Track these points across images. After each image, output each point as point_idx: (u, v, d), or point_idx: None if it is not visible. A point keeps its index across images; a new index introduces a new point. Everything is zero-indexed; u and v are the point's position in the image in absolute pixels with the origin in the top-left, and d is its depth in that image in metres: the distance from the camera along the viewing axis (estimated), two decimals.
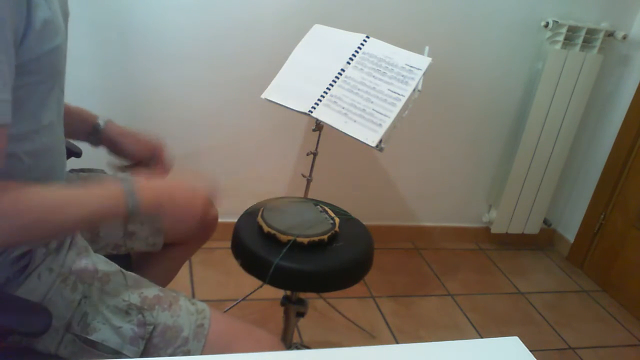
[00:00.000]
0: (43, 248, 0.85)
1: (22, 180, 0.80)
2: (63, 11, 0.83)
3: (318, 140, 1.59)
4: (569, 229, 2.60)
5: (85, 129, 1.10)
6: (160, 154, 1.15)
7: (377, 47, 1.45)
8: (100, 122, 1.10)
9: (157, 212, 0.86)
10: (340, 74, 1.43)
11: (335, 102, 1.38)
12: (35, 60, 0.74)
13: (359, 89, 1.38)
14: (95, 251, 0.95)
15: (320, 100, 1.40)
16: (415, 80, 1.36)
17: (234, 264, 1.27)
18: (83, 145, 1.21)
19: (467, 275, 2.32)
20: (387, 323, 1.94)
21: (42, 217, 0.74)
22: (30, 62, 0.73)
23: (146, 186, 0.84)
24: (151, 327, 0.86)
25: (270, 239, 1.24)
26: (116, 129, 1.12)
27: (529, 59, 2.21)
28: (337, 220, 1.32)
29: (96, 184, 0.82)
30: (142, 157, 1.13)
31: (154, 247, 1.19)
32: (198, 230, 1.27)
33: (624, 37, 2.17)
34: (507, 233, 2.51)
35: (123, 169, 1.16)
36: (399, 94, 1.34)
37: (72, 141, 1.14)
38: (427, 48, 1.43)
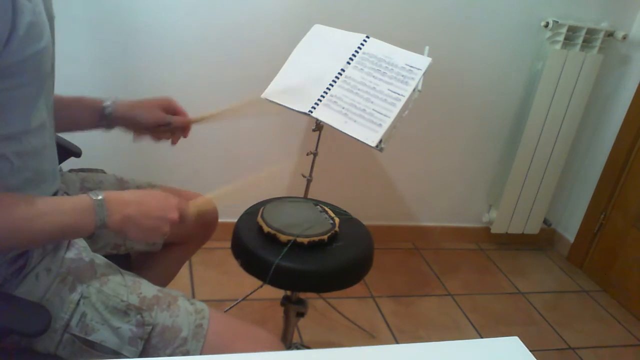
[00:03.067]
0: (40, 248, 0.85)
1: (12, 181, 0.80)
2: (48, 14, 0.82)
3: (318, 140, 1.59)
4: (569, 229, 2.59)
5: (94, 116, 1.09)
6: (175, 110, 1.16)
7: (377, 47, 1.45)
8: (108, 103, 1.10)
9: (125, 224, 0.85)
10: (340, 74, 1.43)
11: (335, 102, 1.38)
12: (19, 63, 0.74)
13: (359, 89, 1.38)
14: (95, 251, 0.95)
15: (320, 100, 1.40)
16: (415, 80, 1.36)
17: (234, 264, 1.27)
18: (83, 146, 1.21)
19: (467, 275, 2.32)
20: (387, 323, 1.94)
21: (11, 227, 0.75)
22: (15, 65, 0.73)
23: (115, 197, 0.84)
24: (150, 327, 0.86)
25: (270, 239, 1.24)
26: (124, 105, 1.11)
27: (529, 59, 2.21)
28: (337, 220, 1.32)
29: (66, 197, 0.82)
30: (158, 121, 1.13)
31: (154, 247, 1.19)
32: (196, 230, 1.27)
33: (624, 37, 2.17)
34: (507, 233, 2.51)
35: (145, 135, 1.15)
36: (399, 94, 1.34)
37: (80, 132, 1.12)
38: (427, 48, 1.43)
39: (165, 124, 1.14)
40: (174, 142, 1.17)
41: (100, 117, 1.09)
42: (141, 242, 1.16)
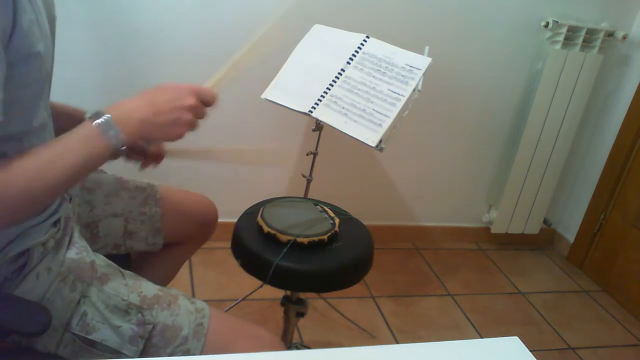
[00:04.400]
0: (41, 247, 0.85)
1: None
2: (49, 15, 0.82)
3: (318, 140, 1.59)
4: (569, 229, 2.59)
5: (73, 124, 1.08)
6: None
7: (377, 47, 1.45)
8: (88, 115, 1.08)
9: (143, 132, 0.80)
10: (340, 74, 1.43)
11: (335, 102, 1.38)
12: (23, 62, 0.74)
13: (359, 89, 1.38)
14: (95, 251, 0.95)
15: (320, 100, 1.40)
16: (415, 80, 1.36)
17: (234, 264, 1.27)
18: None
19: (467, 275, 2.32)
20: (387, 323, 1.94)
21: (24, 184, 0.72)
22: (18, 64, 0.73)
23: (121, 109, 0.79)
24: (150, 326, 0.86)
25: (271, 239, 1.24)
26: None
27: (529, 59, 2.21)
28: (337, 220, 1.32)
29: (70, 134, 0.77)
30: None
31: (154, 247, 1.19)
32: (196, 230, 1.27)
33: (624, 37, 2.17)
34: (507, 233, 2.51)
35: (121, 153, 1.13)
36: (399, 94, 1.34)
37: None
38: (427, 48, 1.43)
39: (139, 147, 1.08)
40: (142, 167, 1.09)
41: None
42: (142, 242, 1.15)
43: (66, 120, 1.05)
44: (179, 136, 0.84)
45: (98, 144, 0.77)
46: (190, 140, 1.22)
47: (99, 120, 0.77)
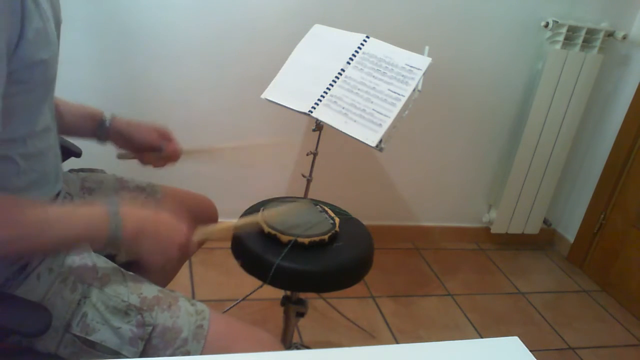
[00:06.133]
0: None
1: (18, 182, 0.80)
2: (56, 19, 0.83)
3: (318, 140, 1.59)
4: (569, 229, 2.59)
5: (92, 125, 1.10)
6: (169, 137, 1.16)
7: (377, 47, 1.45)
8: (107, 116, 1.11)
9: (138, 238, 0.85)
10: (340, 74, 1.43)
11: (335, 102, 1.38)
12: (27, 68, 0.74)
13: (359, 89, 1.38)
14: (96, 251, 0.95)
15: (320, 100, 1.40)
16: (415, 80, 1.36)
17: (234, 264, 1.27)
18: (83, 145, 1.21)
19: (467, 275, 2.32)
20: (387, 323, 1.94)
21: (23, 229, 0.74)
22: (22, 70, 0.73)
23: (131, 211, 0.84)
24: (150, 327, 0.86)
25: (271, 239, 1.23)
26: (122, 121, 1.12)
27: (529, 59, 2.21)
28: (337, 220, 1.32)
29: (82, 204, 0.82)
30: (152, 144, 1.14)
31: None
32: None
33: (624, 37, 2.17)
34: (507, 233, 2.51)
35: (133, 156, 1.16)
36: (399, 94, 1.34)
37: (78, 139, 1.13)
38: (427, 48, 1.43)
39: (157, 149, 1.14)
40: (158, 166, 1.16)
41: (98, 127, 1.10)
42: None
43: (83, 119, 1.08)
44: (157, 262, 0.89)
45: (101, 225, 0.81)
46: (191, 140, 1.22)
47: (110, 207, 0.82)
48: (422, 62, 1.39)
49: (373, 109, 1.34)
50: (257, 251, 1.22)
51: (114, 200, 0.83)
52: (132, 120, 1.14)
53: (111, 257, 0.98)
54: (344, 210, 1.43)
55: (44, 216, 0.77)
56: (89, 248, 0.91)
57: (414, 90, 1.34)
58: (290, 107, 1.41)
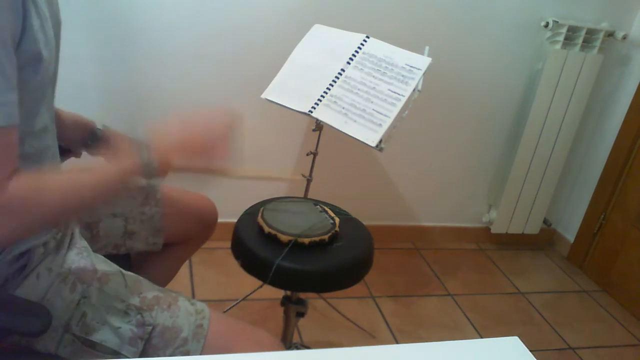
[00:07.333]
0: (41, 247, 0.85)
1: None
2: (54, 20, 0.82)
3: (318, 140, 1.59)
4: (569, 229, 2.59)
5: (83, 135, 1.09)
6: None
7: (377, 47, 1.45)
8: (99, 127, 1.10)
9: (172, 153, 0.86)
10: (340, 74, 1.43)
11: (335, 102, 1.38)
12: (26, 66, 0.74)
13: (359, 89, 1.38)
14: (95, 251, 0.95)
15: (320, 100, 1.40)
16: (415, 80, 1.36)
17: (234, 264, 1.27)
18: None
19: (467, 275, 2.32)
20: (387, 323, 1.94)
21: (62, 201, 0.75)
22: (23, 68, 0.73)
23: (152, 135, 0.85)
24: (150, 327, 0.86)
25: (271, 239, 1.23)
26: (114, 132, 1.11)
27: (529, 59, 2.21)
28: (337, 220, 1.32)
29: (110, 160, 0.84)
30: None
31: (154, 247, 1.19)
32: (196, 230, 1.27)
33: (624, 37, 2.17)
34: (507, 233, 2.51)
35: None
36: (399, 94, 1.34)
37: (68, 146, 1.12)
38: (427, 48, 1.43)
39: None
40: None
41: (88, 137, 1.09)
42: (142, 242, 1.16)
43: (74, 129, 1.07)
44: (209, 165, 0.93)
45: (133, 164, 0.82)
46: None
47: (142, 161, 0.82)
48: (422, 62, 1.39)
49: (373, 109, 1.34)
50: (257, 251, 1.22)
51: (135, 130, 0.85)
52: (123, 133, 1.12)
53: (111, 257, 0.98)
54: (344, 210, 1.43)
55: (70, 183, 0.78)
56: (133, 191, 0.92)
57: (414, 90, 1.34)
58: (290, 107, 1.41)
